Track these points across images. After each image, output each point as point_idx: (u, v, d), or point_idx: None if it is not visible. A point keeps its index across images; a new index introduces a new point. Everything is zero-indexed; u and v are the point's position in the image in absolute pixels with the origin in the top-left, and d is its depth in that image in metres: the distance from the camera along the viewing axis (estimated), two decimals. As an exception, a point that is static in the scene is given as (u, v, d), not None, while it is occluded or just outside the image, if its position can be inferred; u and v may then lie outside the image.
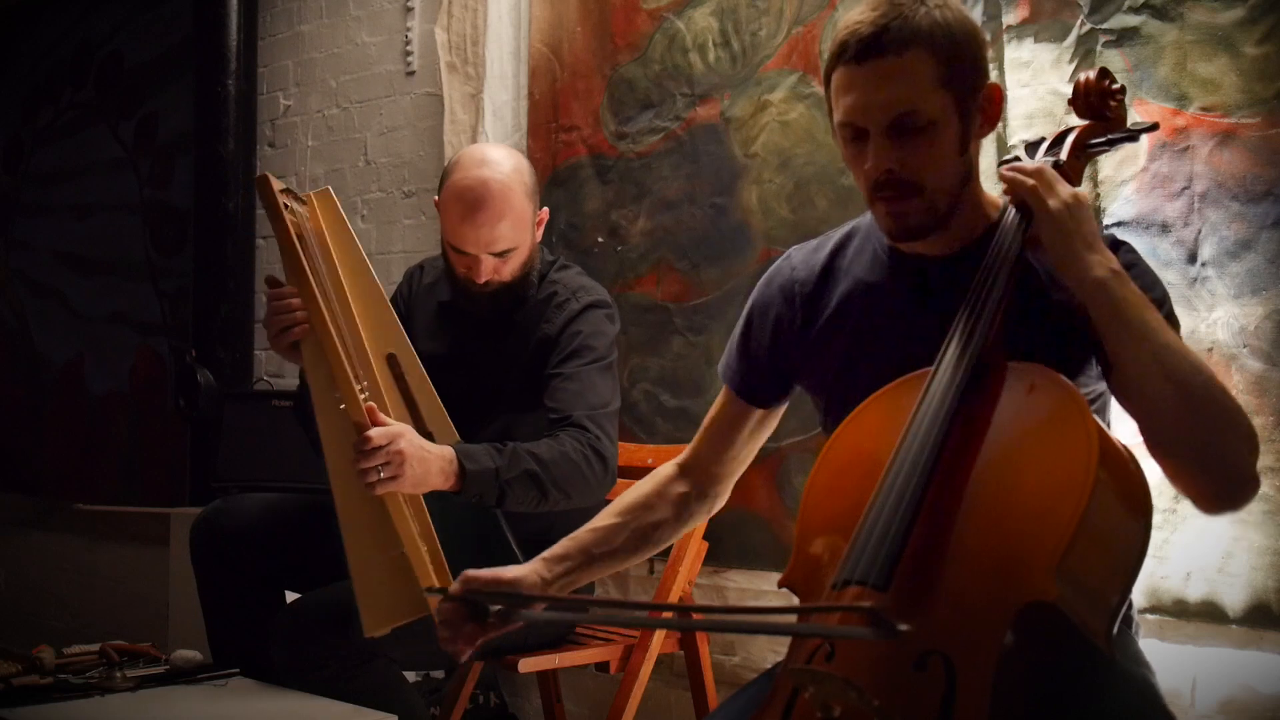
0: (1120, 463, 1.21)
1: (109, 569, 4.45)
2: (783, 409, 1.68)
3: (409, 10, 3.74)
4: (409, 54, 3.74)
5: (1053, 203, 1.34)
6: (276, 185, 2.02)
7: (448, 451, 1.95)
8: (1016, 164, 1.41)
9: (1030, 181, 1.36)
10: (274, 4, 4.22)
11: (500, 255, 2.18)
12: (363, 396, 1.93)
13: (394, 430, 1.88)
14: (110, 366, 4.96)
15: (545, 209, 2.30)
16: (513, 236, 2.17)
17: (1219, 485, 1.28)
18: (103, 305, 5.00)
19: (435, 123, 3.57)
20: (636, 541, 1.60)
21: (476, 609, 1.34)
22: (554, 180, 3.18)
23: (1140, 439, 1.31)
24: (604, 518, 1.60)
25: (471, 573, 1.43)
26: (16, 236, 5.52)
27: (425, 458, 1.90)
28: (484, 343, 2.29)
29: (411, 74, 3.74)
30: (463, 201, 2.15)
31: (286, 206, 2.01)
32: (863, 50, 1.36)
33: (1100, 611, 1.15)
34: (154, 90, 4.81)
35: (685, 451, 1.68)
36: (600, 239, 3.08)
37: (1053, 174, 1.37)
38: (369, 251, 3.82)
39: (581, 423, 2.08)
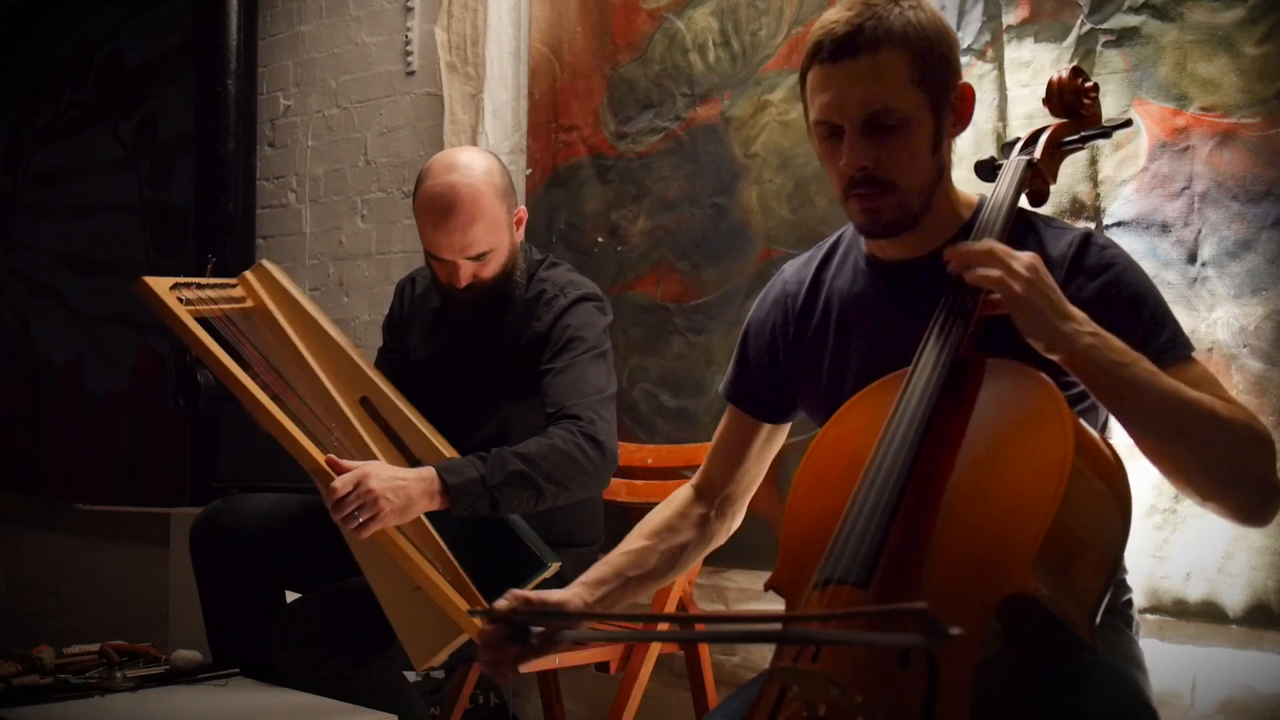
0: (1097, 455, 1.22)
1: (109, 569, 4.44)
2: (787, 425, 1.69)
3: (409, 10, 3.74)
4: (409, 54, 3.74)
5: (1019, 286, 1.26)
6: (162, 285, 2.03)
7: (426, 472, 1.94)
8: (961, 247, 1.32)
9: (995, 273, 1.27)
10: (274, 4, 4.22)
11: (477, 259, 2.18)
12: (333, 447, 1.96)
13: (357, 473, 1.87)
14: (110, 366, 4.95)
15: (522, 208, 2.31)
16: (488, 239, 2.17)
17: (1245, 500, 1.29)
18: (103, 305, 5.00)
19: (435, 123, 3.57)
20: (668, 562, 1.62)
21: (519, 631, 1.33)
22: (554, 180, 3.18)
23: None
24: (633, 540, 1.61)
25: (516, 593, 1.40)
26: (16, 236, 5.52)
27: (401, 486, 1.89)
28: (476, 345, 2.29)
29: (411, 74, 3.74)
30: (433, 209, 2.17)
31: (185, 300, 2.03)
32: (837, 50, 1.39)
33: (1082, 603, 1.16)
34: (154, 90, 4.81)
35: (697, 474, 1.69)
36: (600, 239, 3.08)
37: (1004, 249, 1.29)
38: (369, 252, 3.85)
39: (574, 412, 2.08)
